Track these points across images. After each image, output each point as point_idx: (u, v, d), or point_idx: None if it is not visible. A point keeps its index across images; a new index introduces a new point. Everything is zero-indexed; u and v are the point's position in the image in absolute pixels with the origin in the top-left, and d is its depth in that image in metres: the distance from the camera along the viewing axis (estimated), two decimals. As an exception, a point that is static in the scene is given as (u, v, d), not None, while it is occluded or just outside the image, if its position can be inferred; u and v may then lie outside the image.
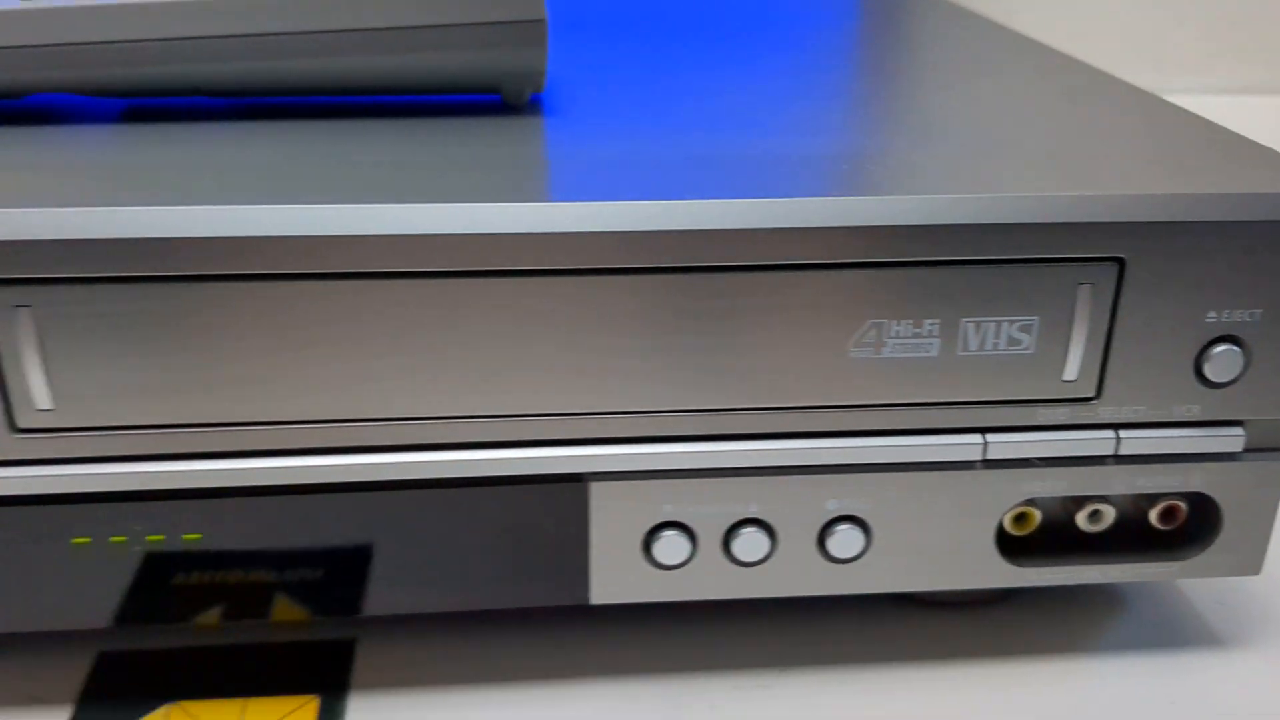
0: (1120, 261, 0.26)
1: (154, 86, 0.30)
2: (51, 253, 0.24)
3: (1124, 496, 0.30)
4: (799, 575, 0.29)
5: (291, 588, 0.29)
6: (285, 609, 0.29)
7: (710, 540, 0.29)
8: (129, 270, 0.25)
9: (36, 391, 0.25)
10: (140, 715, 0.29)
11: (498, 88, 0.32)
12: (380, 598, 0.29)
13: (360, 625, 0.33)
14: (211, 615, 0.29)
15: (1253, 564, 0.31)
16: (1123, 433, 0.28)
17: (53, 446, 0.26)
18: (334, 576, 0.29)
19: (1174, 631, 0.33)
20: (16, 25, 0.29)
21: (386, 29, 0.30)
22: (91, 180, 0.26)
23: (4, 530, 0.27)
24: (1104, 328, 0.27)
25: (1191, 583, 0.35)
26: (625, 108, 0.33)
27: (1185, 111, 0.33)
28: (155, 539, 0.28)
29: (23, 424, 0.26)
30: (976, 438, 0.28)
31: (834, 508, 0.29)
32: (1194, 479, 0.29)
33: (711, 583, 0.29)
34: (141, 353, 0.25)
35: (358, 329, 0.26)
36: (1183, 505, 0.30)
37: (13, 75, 0.30)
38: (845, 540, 0.29)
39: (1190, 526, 0.30)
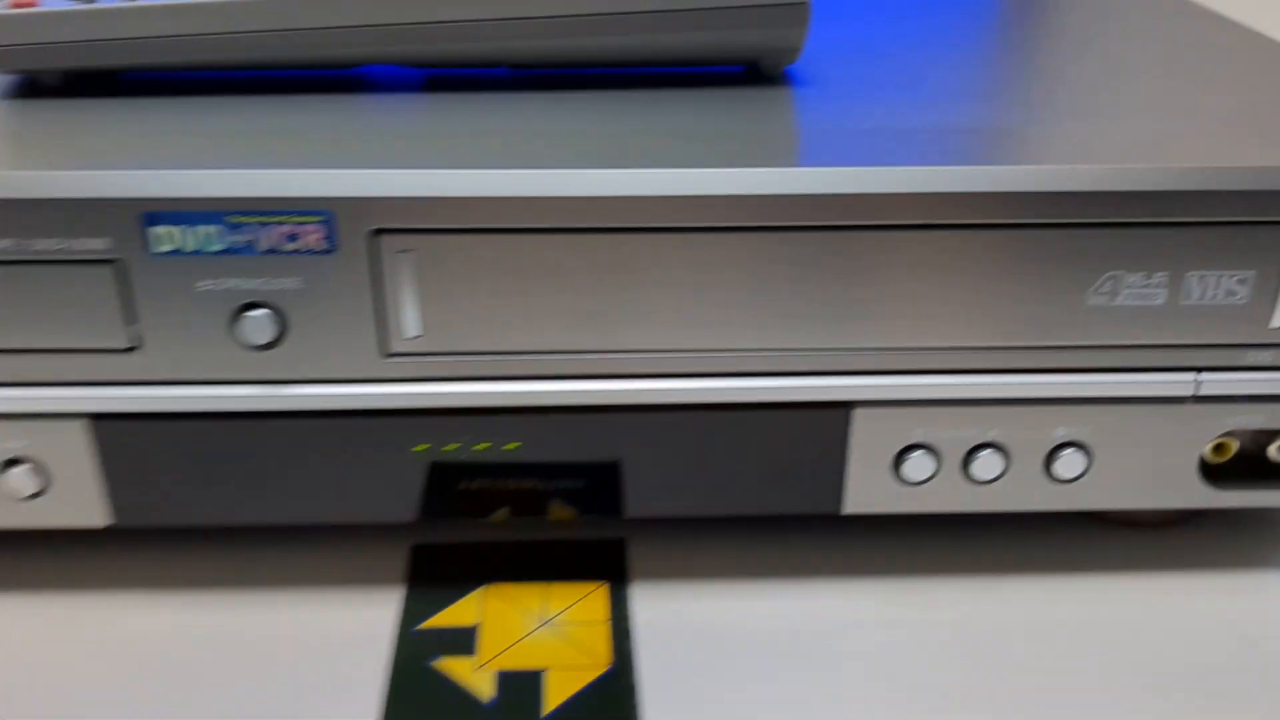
0: (1333, 224, 0.30)
1: (464, 60, 0.35)
2: (430, 208, 0.29)
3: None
4: (1026, 493, 0.34)
5: (594, 492, 0.34)
6: (588, 508, 0.34)
7: (952, 461, 0.33)
8: (489, 223, 0.30)
9: (409, 322, 0.31)
10: (460, 595, 0.35)
11: (758, 60, 0.36)
12: (670, 502, 0.34)
13: (627, 527, 0.38)
14: (515, 513, 0.34)
15: None
16: (1324, 374, 0.32)
17: (414, 368, 0.31)
18: (631, 484, 0.34)
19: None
20: (357, 6, 0.34)
21: (676, 10, 0.34)
22: (447, 144, 0.31)
23: (361, 435, 0.32)
24: (1313, 282, 0.31)
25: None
26: (867, 78, 0.37)
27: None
28: (482, 447, 0.33)
29: (394, 349, 0.31)
30: (1190, 376, 0.32)
31: (1061, 434, 0.33)
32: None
33: (950, 498, 0.34)
34: (492, 291, 0.30)
35: (668, 275, 0.31)
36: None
37: (347, 50, 0.35)
38: (1069, 463, 0.33)
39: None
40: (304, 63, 0.34)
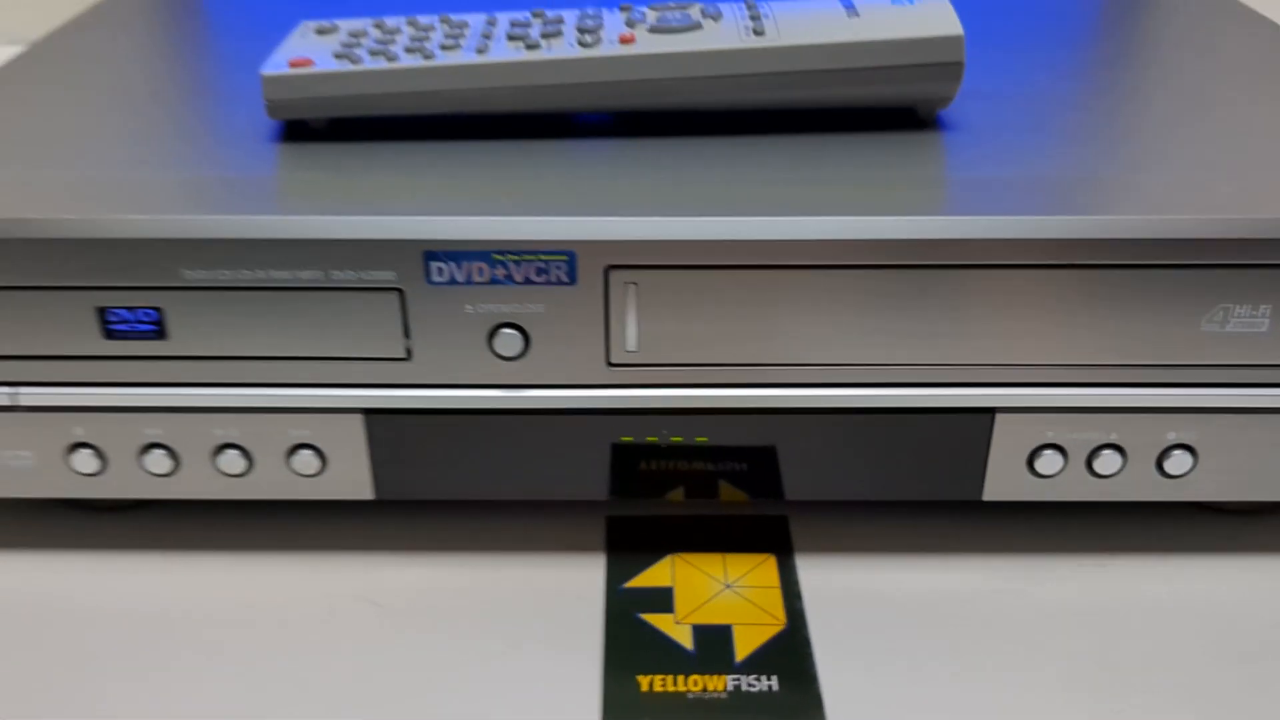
0: None
1: (667, 108, 0.41)
2: (651, 249, 0.36)
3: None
4: (1140, 486, 0.40)
5: (767, 478, 0.40)
6: (761, 491, 0.41)
7: (1078, 458, 0.39)
8: (693, 260, 0.36)
9: (629, 339, 0.37)
10: (653, 561, 0.42)
11: (915, 108, 0.42)
12: (836, 488, 0.40)
13: (787, 507, 0.44)
14: (700, 494, 0.41)
15: None
16: (1402, 392, 0.38)
17: (630, 376, 0.38)
18: (797, 472, 0.40)
19: None
20: (584, 69, 0.40)
21: (852, 69, 0.40)
22: (661, 192, 0.37)
23: (584, 429, 0.39)
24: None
25: None
26: (1005, 122, 0.42)
27: None
28: (676, 439, 0.40)
29: (615, 360, 0.38)
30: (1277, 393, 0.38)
31: (1172, 437, 0.39)
32: None
33: (1074, 489, 0.40)
34: (693, 315, 0.37)
35: (843, 303, 0.37)
36: None
37: (569, 103, 0.41)
38: (1179, 462, 0.39)
39: None
40: (528, 112, 0.41)
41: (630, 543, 0.43)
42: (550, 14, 0.43)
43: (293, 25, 0.52)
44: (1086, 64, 0.49)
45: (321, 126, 0.41)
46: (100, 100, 0.45)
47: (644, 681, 0.37)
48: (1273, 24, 0.54)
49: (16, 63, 0.50)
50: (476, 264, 0.36)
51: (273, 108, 0.40)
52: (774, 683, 0.37)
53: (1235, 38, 0.53)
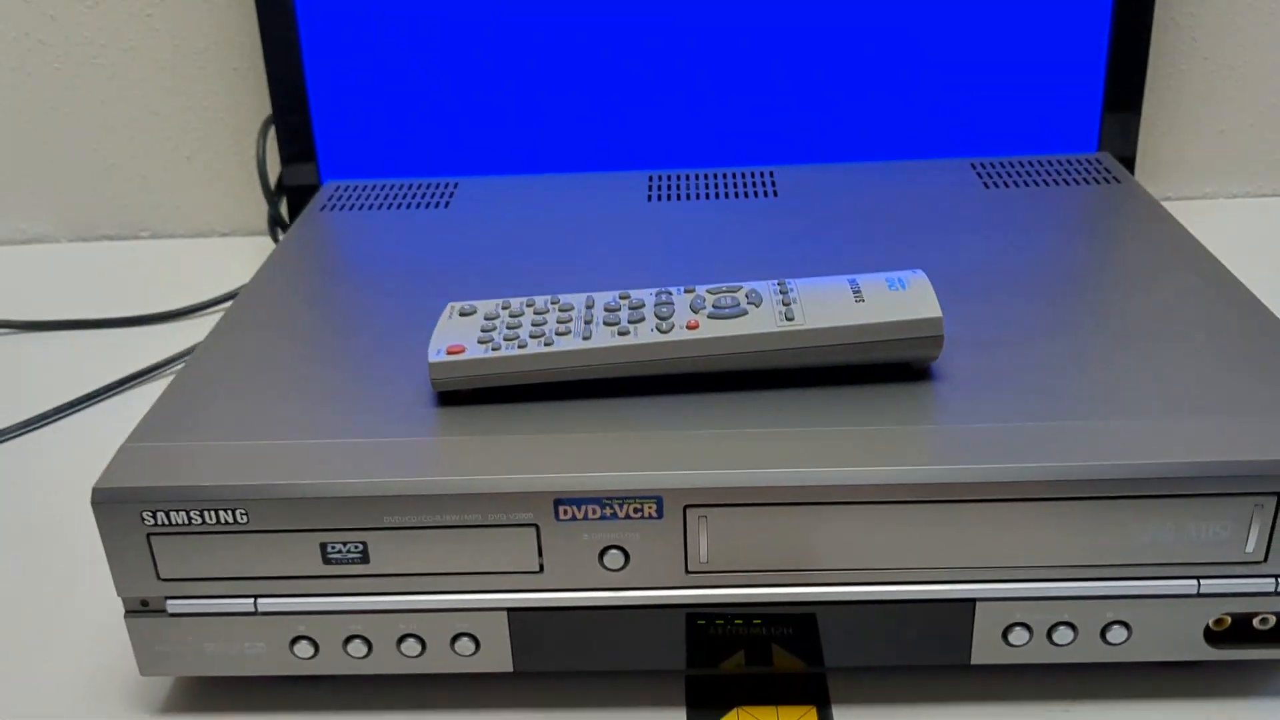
0: (1277, 495, 0.48)
1: (713, 371, 0.55)
2: (716, 494, 0.49)
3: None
4: (1089, 652, 0.52)
5: (809, 649, 0.53)
6: (804, 658, 0.54)
7: (1040, 632, 0.52)
8: (743, 500, 0.49)
9: (702, 553, 0.51)
10: (723, 713, 0.55)
11: (910, 364, 0.56)
12: (861, 655, 0.53)
13: (827, 669, 0.57)
14: (757, 661, 0.54)
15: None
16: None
17: (703, 580, 0.51)
18: (834, 645, 0.53)
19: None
20: (674, 353, 0.54)
21: (854, 343, 0.54)
22: (720, 448, 0.51)
23: (669, 619, 0.52)
24: (1269, 528, 0.49)
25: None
26: (983, 370, 0.56)
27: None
28: (739, 622, 0.53)
29: (691, 569, 0.51)
30: (1194, 581, 0.51)
31: (1110, 616, 0.51)
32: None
33: (1040, 655, 0.53)
34: (747, 535, 0.50)
35: (857, 526, 0.50)
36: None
37: (646, 371, 0.55)
38: (1117, 634, 0.52)
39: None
40: (621, 378, 0.55)
41: (704, 699, 0.56)
42: (634, 297, 0.58)
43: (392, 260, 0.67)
44: (1057, 311, 0.63)
45: (468, 391, 0.56)
46: (287, 379, 0.60)
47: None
48: (1219, 264, 0.67)
49: (204, 346, 0.65)
50: (591, 506, 0.50)
51: (437, 384, 0.55)
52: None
53: (1184, 277, 0.66)
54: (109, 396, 0.82)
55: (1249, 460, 0.48)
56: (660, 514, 0.50)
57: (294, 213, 0.98)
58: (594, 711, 0.55)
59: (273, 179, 1.01)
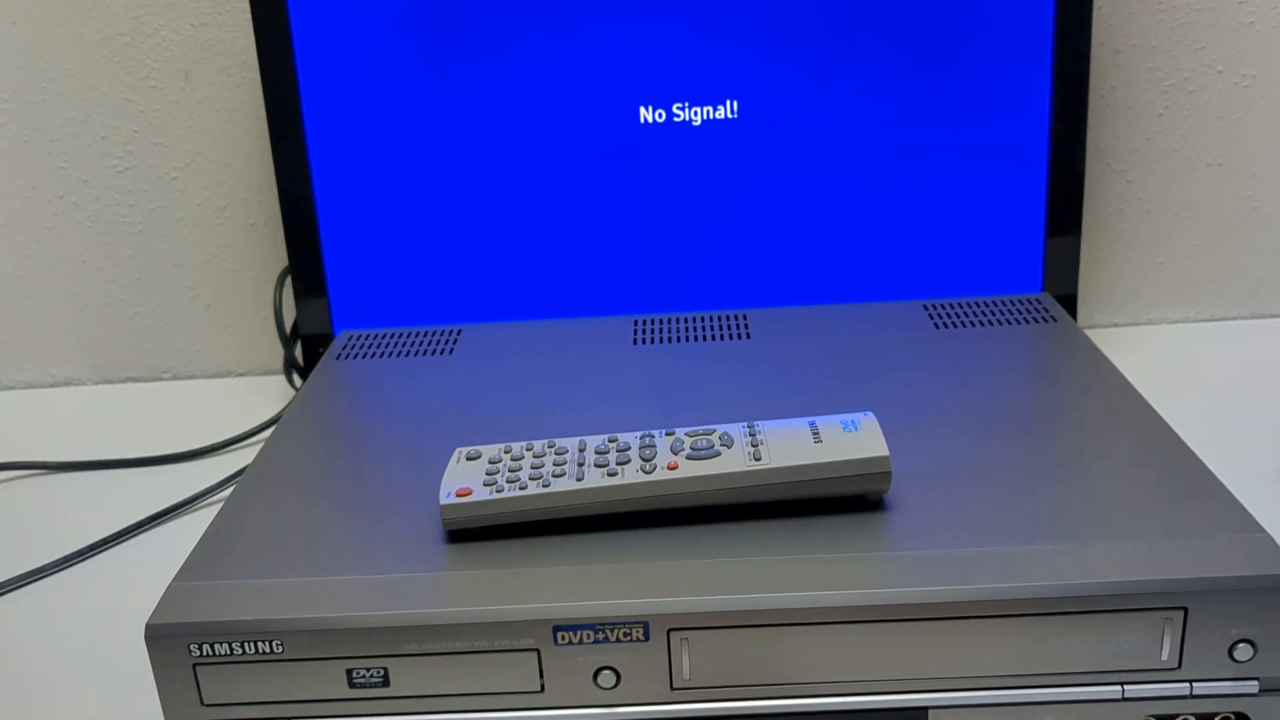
0: (1184, 609, 0.55)
1: (683, 506, 0.62)
2: (694, 618, 0.56)
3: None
4: (1032, 753, 0.59)
5: (782, 757, 0.60)
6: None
7: (987, 736, 0.58)
8: (718, 623, 0.56)
9: (684, 671, 0.57)
10: (708, 817, 0.61)
11: (864, 496, 0.63)
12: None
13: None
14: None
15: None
16: (1195, 686, 0.57)
17: (687, 695, 0.58)
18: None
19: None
20: (655, 494, 0.61)
21: (814, 479, 0.61)
22: (693, 581, 0.58)
23: (655, 730, 0.59)
24: (1179, 638, 0.56)
25: None
26: (928, 500, 0.63)
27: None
28: (719, 733, 0.59)
29: (675, 685, 0.58)
30: (1118, 687, 0.57)
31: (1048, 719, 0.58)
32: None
33: (988, 756, 0.59)
34: (724, 655, 0.57)
35: (821, 644, 0.57)
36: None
37: (629, 509, 0.62)
38: (1055, 736, 0.58)
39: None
40: (610, 513, 0.62)
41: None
42: (621, 440, 0.65)
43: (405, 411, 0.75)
44: (995, 445, 0.70)
45: (475, 528, 0.63)
46: (314, 521, 0.67)
47: None
48: (1140, 398, 0.75)
49: (237, 492, 0.72)
50: (586, 631, 0.56)
51: (448, 524, 0.62)
52: None
53: (1107, 413, 0.73)
54: (138, 534, 0.89)
55: (1157, 579, 0.56)
56: (647, 637, 0.57)
57: (308, 355, 1.06)
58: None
59: (287, 324, 1.09)
